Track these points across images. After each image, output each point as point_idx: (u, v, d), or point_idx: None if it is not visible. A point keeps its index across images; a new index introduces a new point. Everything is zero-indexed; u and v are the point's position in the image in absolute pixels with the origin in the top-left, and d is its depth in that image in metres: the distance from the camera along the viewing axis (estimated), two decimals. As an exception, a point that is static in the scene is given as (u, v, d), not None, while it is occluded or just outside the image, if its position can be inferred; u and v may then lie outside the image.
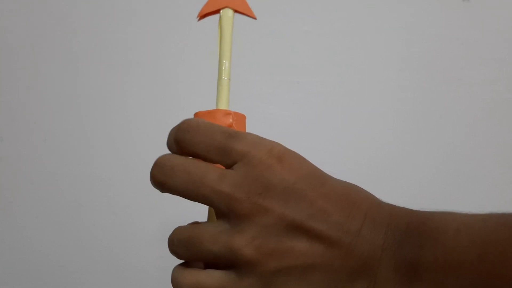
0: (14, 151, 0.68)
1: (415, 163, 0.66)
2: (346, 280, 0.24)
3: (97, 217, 0.67)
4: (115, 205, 0.67)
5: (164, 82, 0.67)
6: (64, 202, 0.68)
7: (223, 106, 0.30)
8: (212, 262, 0.26)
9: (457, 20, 0.66)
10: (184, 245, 0.26)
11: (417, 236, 0.24)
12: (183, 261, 0.28)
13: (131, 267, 0.67)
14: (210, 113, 0.30)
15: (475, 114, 0.66)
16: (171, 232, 0.29)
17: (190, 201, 0.26)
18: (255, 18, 0.32)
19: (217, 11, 0.32)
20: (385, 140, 0.66)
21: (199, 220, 0.31)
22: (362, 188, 0.27)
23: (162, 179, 0.26)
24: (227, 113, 0.29)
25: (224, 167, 0.26)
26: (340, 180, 0.27)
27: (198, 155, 0.26)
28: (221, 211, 0.25)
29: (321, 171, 0.27)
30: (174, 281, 0.27)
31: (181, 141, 0.27)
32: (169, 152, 0.28)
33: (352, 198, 0.26)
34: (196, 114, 0.30)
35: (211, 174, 0.25)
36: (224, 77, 0.31)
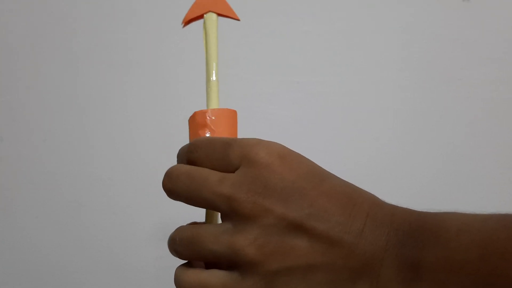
0: (14, 151, 0.68)
1: (415, 163, 0.66)
2: (348, 280, 0.24)
3: (97, 217, 0.67)
4: (115, 205, 0.67)
5: (164, 82, 0.67)
6: (64, 202, 0.68)
7: (213, 106, 0.31)
8: (213, 262, 0.27)
9: (457, 20, 0.66)
10: (186, 244, 0.26)
11: (419, 236, 0.24)
12: (183, 261, 0.28)
13: (131, 267, 0.67)
14: (192, 117, 0.31)
15: (475, 114, 0.66)
16: (171, 232, 0.29)
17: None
18: (238, 20, 0.33)
19: (201, 16, 0.33)
20: (385, 140, 0.66)
21: (198, 221, 0.31)
22: (363, 189, 0.27)
23: (169, 186, 0.28)
24: (203, 112, 0.30)
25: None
26: (341, 179, 0.27)
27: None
28: (224, 212, 0.26)
29: (322, 169, 0.27)
30: (176, 281, 0.27)
31: (191, 161, 0.28)
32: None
33: (353, 197, 0.26)
34: (191, 117, 0.31)
35: (211, 177, 0.26)
36: (213, 78, 0.31)
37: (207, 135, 0.30)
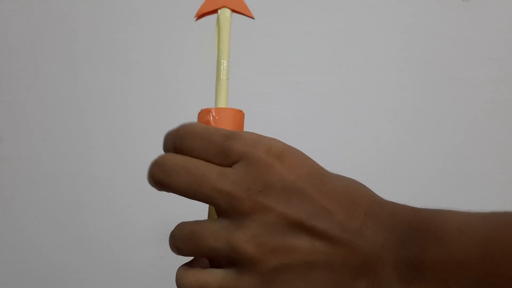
0: (14, 151, 0.68)
1: (415, 163, 0.66)
2: (348, 279, 0.24)
3: (97, 217, 0.67)
4: (115, 205, 0.67)
5: (164, 82, 0.67)
6: (64, 202, 0.68)
7: (222, 105, 0.30)
8: (213, 259, 0.27)
9: (457, 20, 0.66)
10: (186, 241, 0.26)
11: (419, 235, 0.24)
12: (183, 261, 0.28)
13: (131, 267, 0.67)
14: (199, 114, 0.30)
15: (475, 114, 0.66)
16: (171, 231, 0.29)
17: (190, 200, 0.26)
18: (253, 18, 0.32)
19: (215, 11, 0.32)
20: (385, 140, 0.66)
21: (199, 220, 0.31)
22: (363, 185, 0.27)
23: (162, 178, 0.26)
24: (207, 111, 0.29)
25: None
26: (341, 177, 0.27)
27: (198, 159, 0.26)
28: (222, 209, 0.26)
29: (322, 168, 0.27)
30: (177, 281, 0.27)
31: (180, 148, 0.27)
32: None
33: (354, 196, 0.26)
34: (198, 114, 0.30)
35: (211, 172, 0.25)
36: (223, 76, 0.31)
37: None
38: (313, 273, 0.24)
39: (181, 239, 0.27)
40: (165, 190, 0.27)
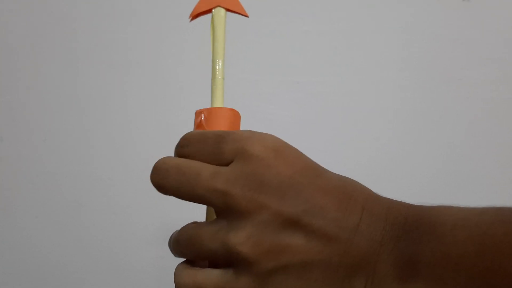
0: (14, 151, 0.68)
1: (415, 163, 0.66)
2: (344, 276, 0.24)
3: (97, 217, 0.67)
4: (115, 205, 0.67)
5: (164, 82, 0.67)
6: (64, 202, 0.68)
7: (218, 105, 0.30)
8: (212, 261, 0.26)
9: (457, 20, 0.66)
10: (187, 245, 0.26)
11: (415, 231, 0.24)
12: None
13: (131, 267, 0.67)
14: (194, 115, 0.30)
15: (475, 114, 0.66)
16: (171, 232, 0.29)
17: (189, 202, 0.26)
18: (247, 16, 0.32)
19: (209, 11, 0.32)
20: (385, 140, 0.66)
21: (198, 221, 0.31)
22: (358, 182, 0.27)
23: (159, 182, 0.27)
24: (200, 112, 0.29)
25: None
26: (336, 174, 0.27)
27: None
28: (218, 208, 0.25)
29: (317, 164, 0.27)
30: (174, 279, 0.27)
31: (181, 156, 0.27)
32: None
33: (349, 192, 0.25)
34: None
35: (204, 172, 0.25)
36: (218, 76, 0.30)
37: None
38: (310, 272, 0.24)
39: (184, 243, 0.27)
40: (165, 193, 0.27)
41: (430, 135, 0.66)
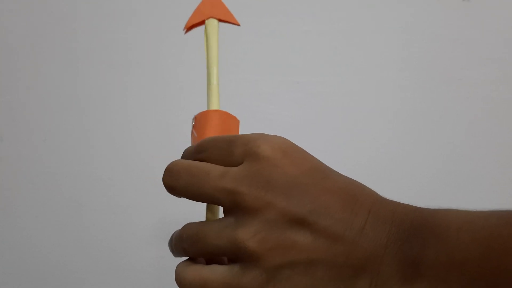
0: (14, 151, 0.68)
1: (415, 163, 0.66)
2: (349, 277, 0.24)
3: (97, 217, 0.67)
4: (115, 205, 0.67)
5: (164, 82, 0.67)
6: (64, 202, 0.68)
7: (214, 108, 0.32)
8: (216, 258, 0.27)
9: (457, 20, 0.66)
10: (192, 241, 0.27)
11: (419, 233, 0.24)
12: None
13: (131, 267, 0.67)
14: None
15: (475, 114, 0.66)
16: (171, 231, 0.29)
17: (190, 200, 0.27)
18: (238, 25, 0.33)
19: (202, 22, 0.34)
20: (385, 140, 0.66)
21: (199, 220, 0.31)
22: (364, 185, 0.27)
23: (170, 183, 0.27)
24: (194, 117, 0.31)
25: None
26: (344, 176, 0.27)
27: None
28: (227, 207, 0.26)
29: (324, 165, 0.27)
30: (177, 277, 0.27)
31: (200, 160, 0.28)
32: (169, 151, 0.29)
33: (356, 194, 0.26)
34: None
35: (213, 172, 0.26)
36: (214, 82, 0.32)
37: (191, 139, 0.31)
38: (315, 270, 0.24)
39: (187, 240, 0.27)
40: (175, 194, 0.28)
41: (430, 135, 0.66)
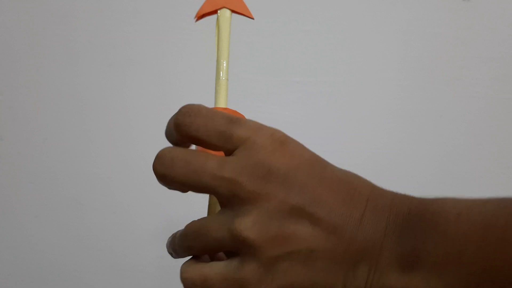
0: (14, 150, 0.68)
1: (414, 163, 0.66)
2: (348, 266, 0.24)
3: (97, 216, 0.67)
4: (115, 204, 0.67)
5: (164, 82, 0.67)
6: (64, 201, 0.68)
7: (221, 105, 0.30)
8: (218, 251, 0.26)
9: (457, 20, 0.66)
10: (194, 237, 0.26)
11: (418, 222, 0.24)
12: (183, 260, 0.28)
13: (131, 267, 0.67)
14: None
15: (475, 113, 0.66)
16: (171, 231, 0.29)
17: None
18: (252, 18, 0.32)
19: (215, 12, 0.32)
20: (384, 140, 0.66)
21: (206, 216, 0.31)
22: (361, 176, 0.27)
23: (163, 171, 0.26)
24: None
25: (224, 153, 0.26)
26: (340, 168, 0.27)
27: (199, 139, 0.26)
28: (224, 197, 0.25)
29: (322, 158, 0.27)
30: (180, 276, 0.27)
31: (182, 124, 0.26)
32: (169, 144, 0.28)
33: (354, 184, 0.26)
34: None
35: (210, 161, 0.25)
36: (223, 77, 0.30)
37: None
38: (315, 261, 0.24)
39: (192, 237, 0.26)
40: (169, 184, 0.26)
41: (430, 135, 0.66)
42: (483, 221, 0.23)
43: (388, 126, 0.66)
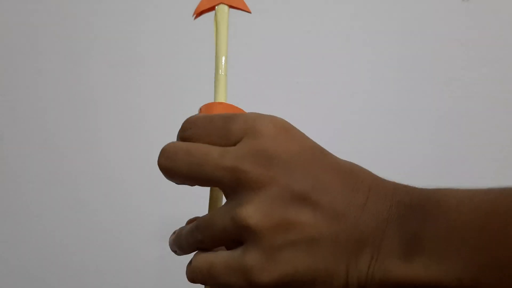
0: (14, 151, 0.68)
1: (414, 163, 0.66)
2: (351, 253, 0.24)
3: (97, 216, 0.67)
4: (115, 205, 0.67)
5: (165, 81, 0.67)
6: (64, 201, 0.68)
7: (221, 100, 0.31)
8: (226, 243, 0.26)
9: (457, 20, 0.66)
10: (203, 229, 0.26)
11: (420, 208, 0.24)
12: (183, 260, 0.28)
13: (131, 267, 0.67)
14: None
15: (475, 114, 0.66)
16: (171, 231, 0.29)
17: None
18: (249, 12, 0.32)
19: (213, 8, 0.32)
20: (384, 140, 0.66)
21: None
22: (362, 166, 0.27)
23: (167, 165, 0.26)
24: (199, 109, 0.30)
25: None
26: (341, 158, 0.27)
27: (204, 143, 0.27)
28: (229, 188, 0.25)
29: (322, 147, 0.27)
30: (187, 269, 0.27)
31: (186, 138, 0.27)
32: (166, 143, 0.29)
33: (356, 172, 0.26)
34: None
35: (212, 152, 0.25)
36: (221, 72, 0.31)
37: None
38: (317, 248, 0.24)
39: (201, 229, 0.27)
40: (173, 178, 0.27)
41: (430, 135, 0.66)
42: (485, 208, 0.22)
43: (388, 126, 0.66)
